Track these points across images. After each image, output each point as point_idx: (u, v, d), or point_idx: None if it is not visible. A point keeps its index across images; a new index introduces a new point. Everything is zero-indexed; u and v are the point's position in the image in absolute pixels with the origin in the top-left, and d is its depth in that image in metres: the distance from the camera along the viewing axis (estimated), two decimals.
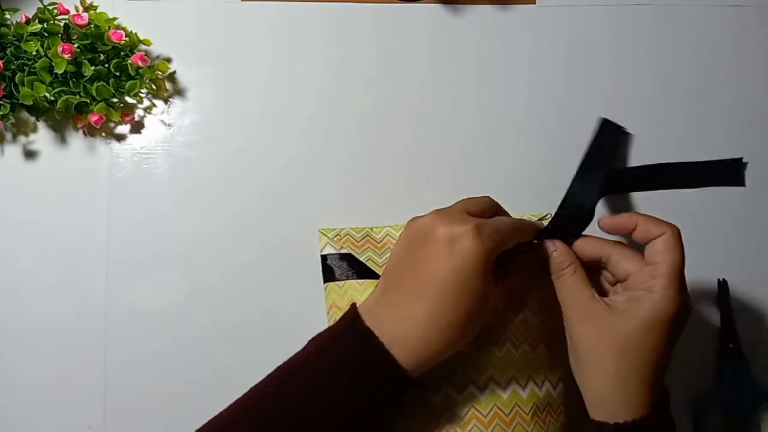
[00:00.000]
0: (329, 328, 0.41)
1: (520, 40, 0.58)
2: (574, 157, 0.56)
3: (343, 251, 0.50)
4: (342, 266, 0.49)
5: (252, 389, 0.40)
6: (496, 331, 0.45)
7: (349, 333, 0.40)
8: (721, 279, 0.56)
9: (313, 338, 0.41)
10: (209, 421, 0.39)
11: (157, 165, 0.55)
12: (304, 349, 0.40)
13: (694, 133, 0.57)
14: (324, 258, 0.50)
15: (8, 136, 0.55)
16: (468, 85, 0.57)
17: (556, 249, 0.43)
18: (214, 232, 0.54)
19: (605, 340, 0.40)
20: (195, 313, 0.53)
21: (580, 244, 0.44)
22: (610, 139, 0.40)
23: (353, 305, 0.41)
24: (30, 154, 0.55)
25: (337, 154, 0.56)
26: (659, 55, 0.58)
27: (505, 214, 0.46)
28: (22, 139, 0.55)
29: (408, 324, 0.39)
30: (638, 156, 0.57)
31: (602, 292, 0.43)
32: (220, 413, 0.39)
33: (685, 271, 0.55)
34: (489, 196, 0.46)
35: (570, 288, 0.42)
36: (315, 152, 0.56)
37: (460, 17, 0.58)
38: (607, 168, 0.39)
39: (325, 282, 0.50)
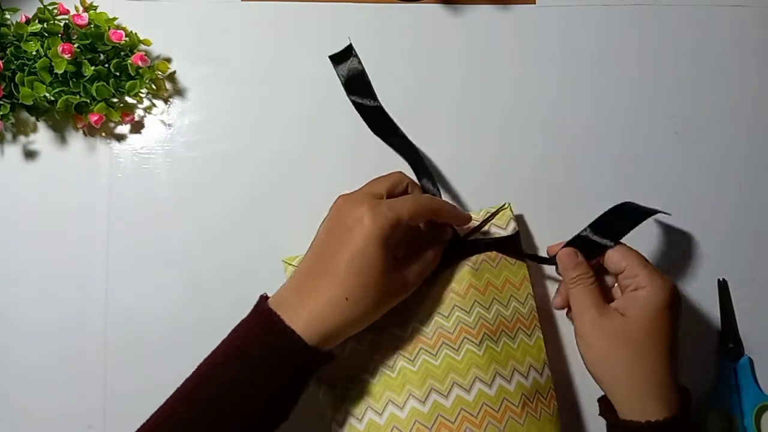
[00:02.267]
0: (239, 323, 0.43)
1: (520, 40, 0.58)
2: (574, 157, 0.57)
3: None
4: None
5: (161, 408, 0.40)
6: (475, 330, 0.46)
7: (254, 319, 0.42)
8: (721, 279, 0.56)
9: (224, 342, 0.42)
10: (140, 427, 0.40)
11: (157, 165, 0.55)
12: (215, 348, 0.42)
13: (694, 132, 0.57)
14: None
15: (8, 136, 0.55)
16: (468, 85, 0.57)
17: (578, 256, 0.47)
18: (214, 232, 0.54)
19: (619, 344, 0.43)
20: (195, 312, 0.53)
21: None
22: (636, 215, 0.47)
23: (261, 296, 0.43)
24: (30, 154, 0.55)
25: (337, 154, 0.56)
26: (659, 55, 0.58)
27: (417, 190, 0.48)
28: (22, 139, 0.55)
29: (309, 301, 0.41)
30: (639, 155, 0.57)
31: (607, 296, 0.47)
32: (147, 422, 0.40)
33: (685, 271, 0.56)
34: (399, 172, 0.48)
35: (583, 295, 0.45)
36: (315, 152, 0.56)
37: (460, 17, 0.58)
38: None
39: None
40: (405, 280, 0.44)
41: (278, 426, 0.41)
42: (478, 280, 0.48)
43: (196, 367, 0.41)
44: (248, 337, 0.41)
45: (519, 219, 0.54)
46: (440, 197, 0.50)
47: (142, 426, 0.40)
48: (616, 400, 0.44)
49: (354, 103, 0.51)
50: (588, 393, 0.52)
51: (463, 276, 0.48)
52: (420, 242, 0.46)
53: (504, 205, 0.51)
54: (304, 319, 0.40)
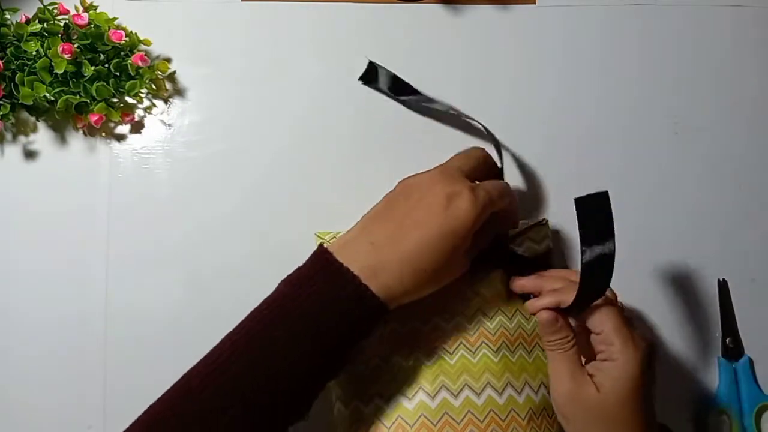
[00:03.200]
0: (298, 269, 0.42)
1: (520, 40, 0.58)
2: (573, 157, 0.57)
3: None
4: None
5: (223, 341, 0.41)
6: (494, 337, 0.46)
7: (322, 271, 0.41)
8: (721, 279, 0.56)
9: (283, 281, 0.42)
10: (178, 381, 0.40)
11: (157, 165, 0.55)
12: (273, 294, 0.42)
13: (694, 132, 0.57)
14: None
15: (8, 136, 0.55)
16: (468, 85, 0.57)
17: (558, 321, 0.43)
18: (214, 232, 0.54)
19: (595, 420, 0.41)
20: (195, 312, 0.53)
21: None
22: (591, 211, 0.39)
23: (320, 245, 0.42)
24: (30, 154, 0.55)
25: (337, 154, 0.56)
26: (659, 55, 0.58)
27: (494, 165, 0.48)
28: (22, 139, 0.55)
29: (386, 262, 0.40)
30: (638, 155, 0.57)
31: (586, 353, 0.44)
32: (189, 371, 0.40)
33: (685, 271, 0.56)
34: (480, 148, 0.48)
35: (561, 363, 0.42)
36: (315, 152, 0.56)
37: (460, 17, 0.58)
38: (609, 240, 0.39)
39: None
40: (468, 255, 0.44)
41: (329, 381, 0.42)
42: (506, 288, 0.48)
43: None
44: (307, 284, 0.41)
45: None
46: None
47: (184, 387, 0.40)
48: None
49: (405, 103, 0.55)
50: None
51: (493, 282, 0.48)
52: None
53: (542, 220, 0.51)
54: (378, 279, 0.40)
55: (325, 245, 0.42)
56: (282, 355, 0.39)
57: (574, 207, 0.38)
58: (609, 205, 0.39)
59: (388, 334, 0.46)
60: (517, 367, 0.46)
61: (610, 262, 0.39)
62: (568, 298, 0.42)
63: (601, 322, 0.41)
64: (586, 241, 0.39)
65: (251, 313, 0.41)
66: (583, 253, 0.39)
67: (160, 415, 0.39)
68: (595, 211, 0.39)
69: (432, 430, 0.44)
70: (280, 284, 0.42)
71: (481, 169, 0.47)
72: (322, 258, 0.42)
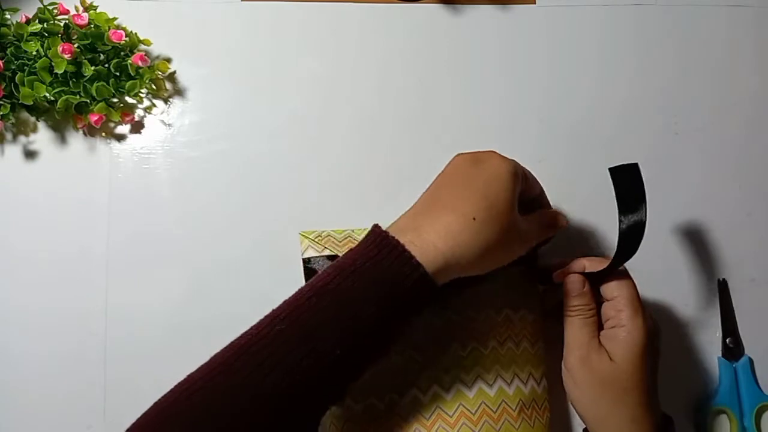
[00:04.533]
0: (351, 251, 0.40)
1: (520, 40, 0.58)
2: (573, 157, 0.57)
3: (326, 252, 0.49)
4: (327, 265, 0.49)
5: (268, 317, 0.38)
6: (482, 330, 0.46)
7: (369, 244, 0.39)
8: (721, 279, 0.56)
9: (333, 265, 0.40)
10: (229, 345, 0.38)
11: (157, 165, 0.55)
12: (322, 276, 0.39)
13: (694, 132, 0.58)
14: (306, 261, 0.49)
15: (8, 136, 0.55)
16: (468, 85, 0.57)
17: (584, 285, 0.45)
18: (214, 232, 0.54)
19: (605, 387, 0.43)
20: (195, 312, 0.53)
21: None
22: (626, 180, 0.43)
23: (375, 225, 0.40)
24: (30, 154, 0.55)
25: (336, 154, 0.56)
26: (659, 55, 0.58)
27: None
28: (22, 139, 0.55)
29: (430, 228, 0.39)
30: (638, 155, 0.57)
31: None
32: (237, 340, 0.38)
33: (685, 271, 0.56)
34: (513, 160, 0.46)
35: (579, 328, 0.45)
36: (315, 152, 0.56)
37: (460, 17, 0.58)
38: (642, 208, 0.43)
39: None
40: (524, 232, 0.43)
41: (377, 360, 0.40)
42: (494, 282, 0.48)
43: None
44: (365, 259, 0.38)
45: None
46: None
47: (236, 341, 0.38)
48: None
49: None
50: None
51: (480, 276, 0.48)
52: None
53: None
54: (427, 242, 0.38)
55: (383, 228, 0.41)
56: (333, 336, 0.37)
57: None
58: (640, 175, 0.42)
59: None
60: (506, 359, 0.46)
61: (643, 227, 0.42)
62: (595, 265, 0.45)
63: (618, 288, 0.44)
64: (623, 208, 0.42)
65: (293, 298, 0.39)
66: (620, 221, 0.42)
67: (198, 385, 0.37)
68: (629, 181, 0.43)
69: (425, 425, 0.44)
70: (328, 268, 0.40)
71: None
72: (373, 235, 0.40)
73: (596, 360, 0.43)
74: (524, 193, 0.45)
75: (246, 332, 0.38)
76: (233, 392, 0.36)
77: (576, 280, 0.45)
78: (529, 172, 0.46)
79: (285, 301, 0.39)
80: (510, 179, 0.41)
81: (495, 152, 0.44)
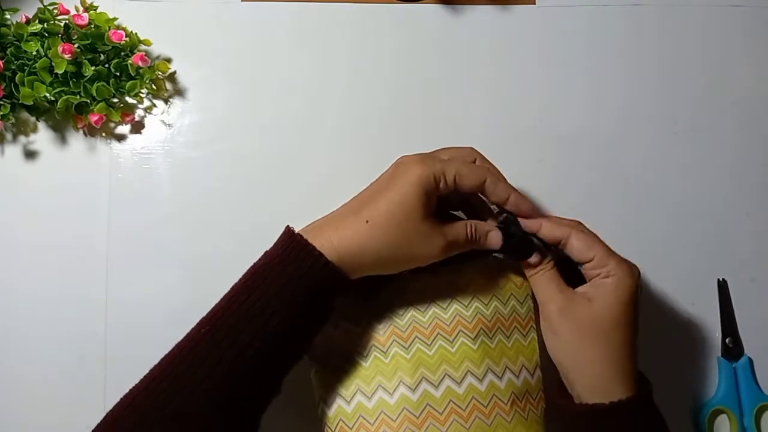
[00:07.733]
0: (267, 252, 0.43)
1: (520, 40, 0.58)
2: (573, 157, 0.57)
3: None
4: None
5: (189, 333, 0.42)
6: (471, 325, 0.46)
7: (278, 242, 0.42)
8: (721, 279, 0.56)
9: (251, 265, 0.43)
10: (167, 353, 0.42)
11: (157, 165, 0.55)
12: (242, 277, 0.42)
13: (694, 132, 0.58)
14: None
15: (8, 136, 0.55)
16: (468, 85, 0.57)
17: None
18: (214, 232, 0.54)
19: (588, 328, 0.43)
20: (195, 312, 0.53)
21: (542, 227, 0.46)
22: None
23: (287, 226, 0.43)
24: (30, 154, 0.55)
25: (336, 154, 0.56)
26: (659, 55, 0.58)
27: (486, 164, 0.47)
28: (22, 139, 0.55)
29: (335, 227, 0.42)
30: (638, 155, 0.57)
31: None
32: (174, 347, 0.42)
33: (685, 271, 0.56)
34: (471, 147, 0.48)
35: (547, 283, 0.45)
36: (315, 152, 0.56)
37: (460, 17, 0.58)
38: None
39: None
40: (433, 238, 0.43)
41: (299, 357, 0.42)
42: (481, 275, 0.48)
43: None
44: (271, 257, 0.42)
45: None
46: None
47: (173, 349, 0.42)
48: (578, 383, 0.44)
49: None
50: None
51: (466, 270, 0.48)
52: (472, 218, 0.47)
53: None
54: (326, 239, 0.41)
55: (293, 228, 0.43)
56: (250, 330, 0.40)
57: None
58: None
59: (364, 328, 0.46)
60: (496, 352, 0.46)
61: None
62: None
63: (590, 249, 0.44)
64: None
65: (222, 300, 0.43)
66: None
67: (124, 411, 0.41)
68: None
69: (415, 423, 0.44)
70: (248, 269, 0.43)
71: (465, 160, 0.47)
72: (283, 234, 0.43)
73: (574, 304, 0.43)
74: (454, 196, 0.46)
75: (180, 340, 0.42)
76: (170, 392, 0.40)
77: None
78: (475, 170, 0.44)
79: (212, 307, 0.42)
80: (418, 186, 0.42)
81: (421, 157, 0.44)
